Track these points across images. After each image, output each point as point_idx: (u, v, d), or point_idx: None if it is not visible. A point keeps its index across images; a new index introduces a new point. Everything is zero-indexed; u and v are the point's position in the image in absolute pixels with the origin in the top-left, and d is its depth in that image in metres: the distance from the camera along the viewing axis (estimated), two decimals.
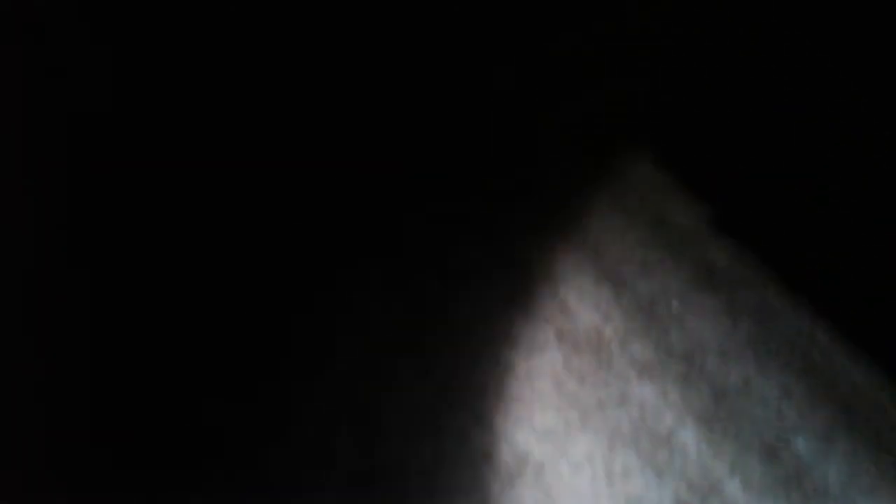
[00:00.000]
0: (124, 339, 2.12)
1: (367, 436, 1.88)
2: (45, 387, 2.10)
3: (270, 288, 2.19)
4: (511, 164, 2.29)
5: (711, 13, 2.40)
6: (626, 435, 1.86)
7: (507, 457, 1.84)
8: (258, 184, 2.41)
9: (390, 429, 1.89)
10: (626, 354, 1.94)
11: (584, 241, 2.11)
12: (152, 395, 2.00)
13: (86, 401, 2.02)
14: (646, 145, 2.22)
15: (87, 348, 2.14)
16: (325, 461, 1.85)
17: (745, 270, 2.03)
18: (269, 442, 1.90)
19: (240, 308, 2.16)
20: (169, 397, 1.99)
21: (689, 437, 1.85)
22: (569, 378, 1.91)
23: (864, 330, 1.91)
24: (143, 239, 2.31)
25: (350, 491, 1.83)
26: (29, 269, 2.30)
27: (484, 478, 1.82)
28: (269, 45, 2.58)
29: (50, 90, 2.48)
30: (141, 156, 2.49)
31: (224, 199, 2.40)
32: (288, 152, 2.46)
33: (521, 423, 1.87)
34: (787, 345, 1.93)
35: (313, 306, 2.10)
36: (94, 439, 1.94)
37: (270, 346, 2.07)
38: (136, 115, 2.51)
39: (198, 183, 2.39)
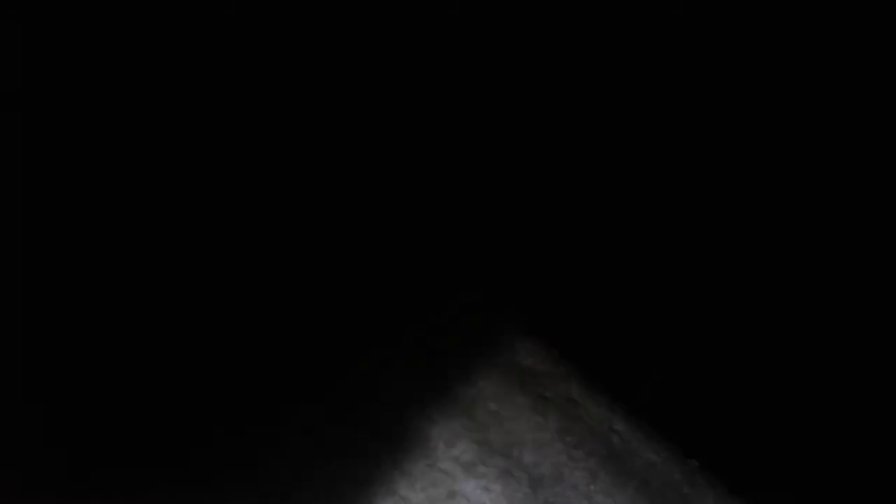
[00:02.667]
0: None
1: None
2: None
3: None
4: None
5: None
6: None
7: None
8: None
9: None
10: (451, 454, 2.11)
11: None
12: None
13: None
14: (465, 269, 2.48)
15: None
16: None
17: (550, 367, 2.27)
18: None
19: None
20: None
21: None
22: (401, 480, 2.06)
23: (654, 414, 2.18)
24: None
25: None
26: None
27: None
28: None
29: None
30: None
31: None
32: None
33: None
34: (590, 433, 2.17)
35: None
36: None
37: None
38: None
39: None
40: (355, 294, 2.51)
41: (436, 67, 2.78)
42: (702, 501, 2.09)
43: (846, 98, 2.40)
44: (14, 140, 2.45)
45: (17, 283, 2.31)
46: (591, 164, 2.68)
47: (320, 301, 2.47)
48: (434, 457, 2.10)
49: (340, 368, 2.31)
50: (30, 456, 1.97)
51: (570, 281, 2.52)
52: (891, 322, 2.32)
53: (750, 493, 2.11)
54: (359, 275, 2.57)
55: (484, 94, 2.76)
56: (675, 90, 2.59)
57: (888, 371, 2.29)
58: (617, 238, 2.57)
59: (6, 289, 2.28)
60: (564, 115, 2.72)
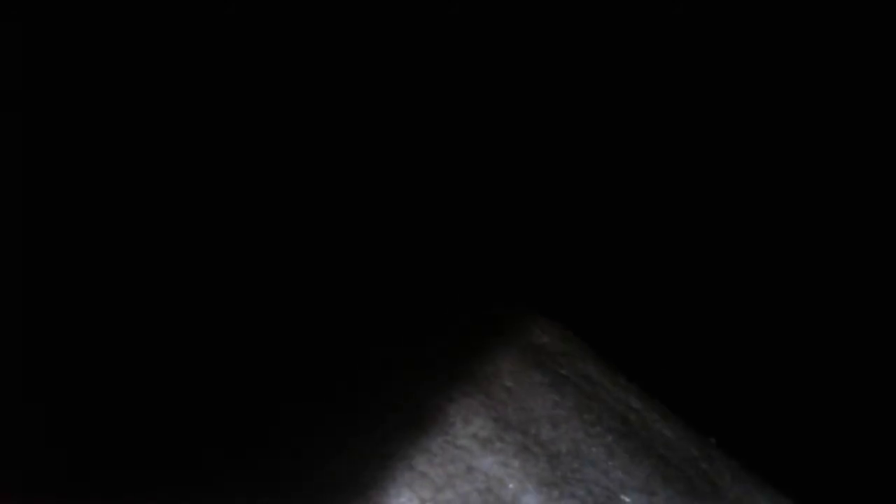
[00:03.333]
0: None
1: None
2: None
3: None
4: None
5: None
6: None
7: None
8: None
9: None
10: (468, 431, 2.11)
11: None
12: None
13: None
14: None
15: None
16: None
17: (565, 346, 2.28)
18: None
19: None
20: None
21: (531, 501, 2.02)
22: (419, 457, 2.05)
23: (671, 392, 2.19)
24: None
25: None
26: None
27: None
28: None
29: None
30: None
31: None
32: None
33: None
34: (607, 410, 2.17)
35: None
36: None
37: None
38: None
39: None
40: (354, 294, 2.52)
41: (436, 67, 2.81)
42: (720, 477, 2.10)
43: (846, 98, 2.45)
44: (14, 140, 2.45)
45: (17, 283, 2.30)
46: (592, 158, 2.71)
47: (320, 302, 2.48)
48: (452, 434, 2.09)
49: (341, 368, 2.31)
50: (30, 456, 1.94)
51: (584, 260, 2.54)
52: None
53: (766, 467, 2.12)
54: (357, 273, 2.57)
55: (484, 94, 2.79)
56: (675, 90, 2.63)
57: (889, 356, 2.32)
58: (630, 218, 2.60)
59: (6, 289, 2.27)
60: (564, 115, 2.76)
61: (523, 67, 2.77)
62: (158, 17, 2.63)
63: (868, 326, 2.30)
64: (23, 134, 2.46)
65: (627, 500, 2.04)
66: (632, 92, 2.67)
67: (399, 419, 2.11)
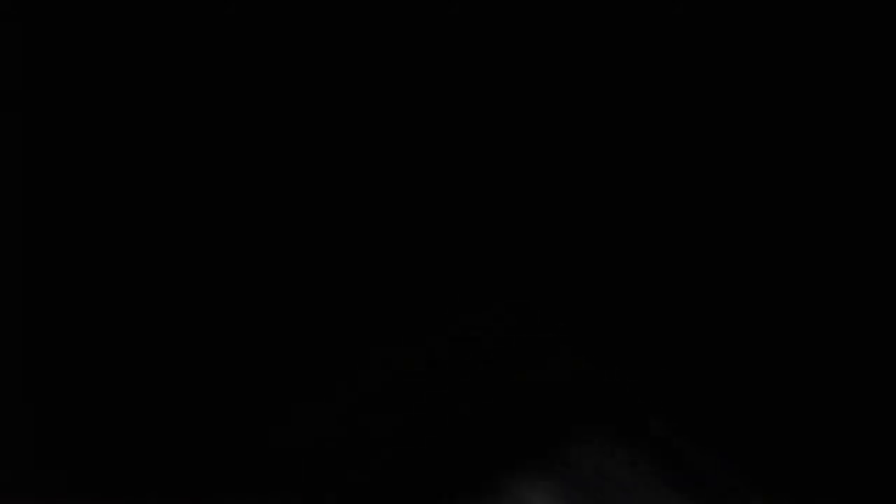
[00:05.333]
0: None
1: None
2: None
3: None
4: None
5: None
6: None
7: None
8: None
9: None
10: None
11: None
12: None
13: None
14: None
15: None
16: None
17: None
18: None
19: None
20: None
21: None
22: None
23: (704, 422, 2.20)
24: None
25: None
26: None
27: None
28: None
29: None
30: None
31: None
32: None
33: None
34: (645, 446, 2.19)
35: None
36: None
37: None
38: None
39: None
40: (354, 294, 2.53)
41: (436, 67, 2.81)
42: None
43: (847, 98, 2.45)
44: (14, 140, 2.47)
45: (17, 282, 2.33)
46: (595, 171, 2.72)
47: (320, 302, 2.48)
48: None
49: (341, 368, 2.32)
50: (29, 456, 1.97)
51: (591, 280, 2.53)
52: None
53: (782, 485, 2.13)
54: (357, 273, 2.58)
55: (485, 94, 2.79)
56: (676, 91, 2.63)
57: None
58: (635, 241, 2.59)
59: (6, 289, 2.30)
60: (565, 116, 2.76)
61: (523, 68, 2.77)
62: (158, 16, 2.64)
63: (872, 343, 2.30)
64: (23, 134, 2.48)
65: None
66: (632, 94, 2.67)
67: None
